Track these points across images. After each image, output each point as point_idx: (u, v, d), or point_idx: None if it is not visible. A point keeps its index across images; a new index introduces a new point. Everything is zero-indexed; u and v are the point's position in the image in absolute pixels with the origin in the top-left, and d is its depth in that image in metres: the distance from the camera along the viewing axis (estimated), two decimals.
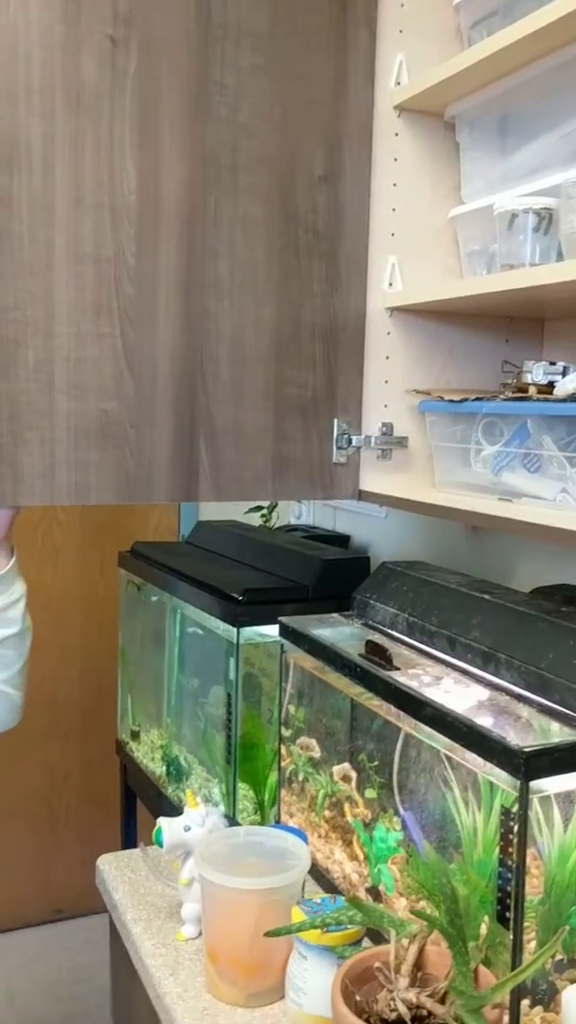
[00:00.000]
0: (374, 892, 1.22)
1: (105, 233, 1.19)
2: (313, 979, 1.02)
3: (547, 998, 0.99)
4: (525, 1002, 0.98)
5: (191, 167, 1.22)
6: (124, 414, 1.22)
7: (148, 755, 1.99)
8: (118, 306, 1.21)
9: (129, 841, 2.21)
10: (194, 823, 1.18)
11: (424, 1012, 0.85)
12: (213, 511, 2.66)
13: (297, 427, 1.34)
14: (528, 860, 1.00)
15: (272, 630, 1.52)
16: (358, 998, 0.88)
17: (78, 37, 1.14)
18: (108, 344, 1.20)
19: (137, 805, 2.16)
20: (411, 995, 0.86)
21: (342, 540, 2.01)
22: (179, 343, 1.24)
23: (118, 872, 1.36)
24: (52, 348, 1.18)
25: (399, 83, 1.33)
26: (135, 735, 2.09)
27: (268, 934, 0.94)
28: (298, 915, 1.04)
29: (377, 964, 0.91)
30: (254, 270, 1.28)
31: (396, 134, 1.35)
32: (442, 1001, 0.85)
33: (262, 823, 1.58)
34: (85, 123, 1.16)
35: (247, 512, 2.20)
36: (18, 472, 1.19)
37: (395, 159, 1.35)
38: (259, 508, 2.18)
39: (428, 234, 1.38)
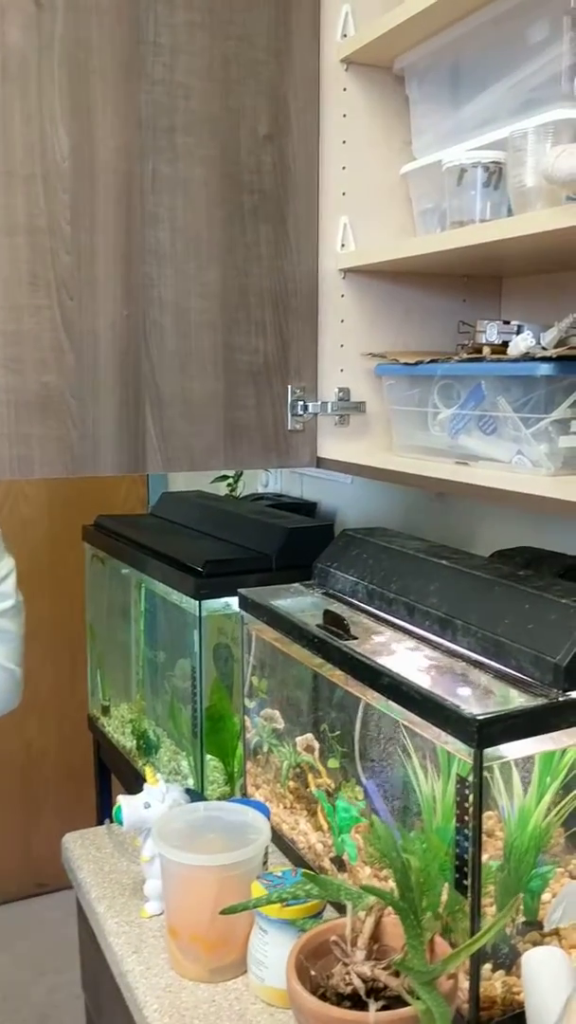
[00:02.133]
0: (338, 862, 1.22)
1: (39, 203, 1.15)
2: (274, 952, 1.01)
3: (508, 961, 0.99)
4: (487, 966, 0.97)
5: (126, 131, 1.18)
6: (65, 387, 1.19)
7: (119, 729, 1.98)
8: (55, 277, 1.17)
9: (104, 817, 2.20)
10: (154, 800, 1.17)
11: (380, 985, 0.85)
12: (181, 481, 2.63)
13: (249, 394, 1.31)
14: (492, 824, 0.99)
15: (231, 602, 1.50)
16: (313, 973, 0.88)
17: (0, 3, 1.09)
18: (46, 316, 1.17)
19: (112, 780, 2.15)
20: (366, 968, 0.85)
21: (309, 508, 1.99)
22: (120, 313, 1.21)
23: (83, 850, 1.35)
24: None
25: (345, 35, 1.29)
26: (106, 710, 2.08)
27: (225, 911, 0.93)
28: (258, 889, 1.03)
29: (333, 938, 0.90)
30: (196, 235, 1.24)
31: (344, 89, 1.31)
32: (397, 974, 0.85)
33: (231, 795, 1.57)
34: (12, 91, 1.12)
35: (213, 481, 2.18)
36: None
37: (344, 115, 1.31)
38: (225, 477, 2.15)
39: (381, 192, 1.34)
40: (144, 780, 1.21)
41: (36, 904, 2.87)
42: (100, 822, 2.15)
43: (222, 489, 2.17)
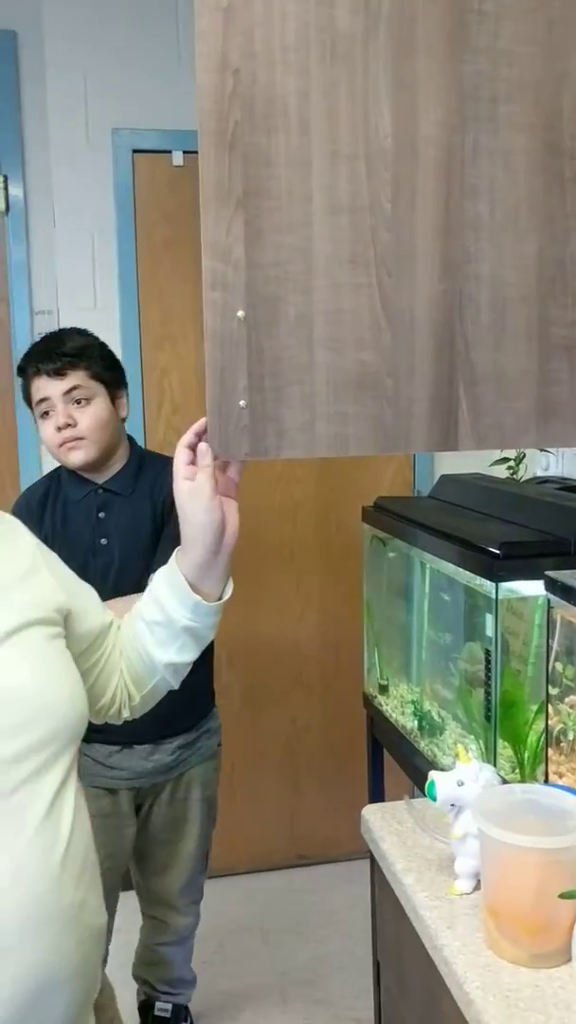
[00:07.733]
0: None
1: (361, 182, 1.16)
2: None
3: None
4: None
5: (448, 104, 1.17)
6: (381, 364, 1.20)
7: (398, 709, 1.99)
8: (375, 255, 1.18)
9: (376, 793, 2.23)
10: (467, 778, 1.16)
11: None
12: (450, 465, 2.61)
13: (563, 369, 1.26)
14: None
15: (522, 586, 1.46)
16: None
17: None
18: (365, 295, 1.18)
19: (384, 757, 2.18)
20: None
21: None
22: (436, 288, 1.20)
23: (384, 823, 1.37)
24: (311, 302, 1.17)
25: None
26: (383, 689, 2.10)
27: (564, 896, 0.91)
28: None
29: None
30: (515, 206, 1.21)
31: None
32: None
33: (522, 781, 1.54)
34: (339, 73, 1.14)
35: (493, 464, 2.14)
36: (281, 426, 1.20)
37: None
38: (504, 460, 2.11)
39: None
40: (436, 760, 1.21)
41: (299, 874, 2.97)
42: (373, 798, 2.18)
43: (501, 472, 2.13)
